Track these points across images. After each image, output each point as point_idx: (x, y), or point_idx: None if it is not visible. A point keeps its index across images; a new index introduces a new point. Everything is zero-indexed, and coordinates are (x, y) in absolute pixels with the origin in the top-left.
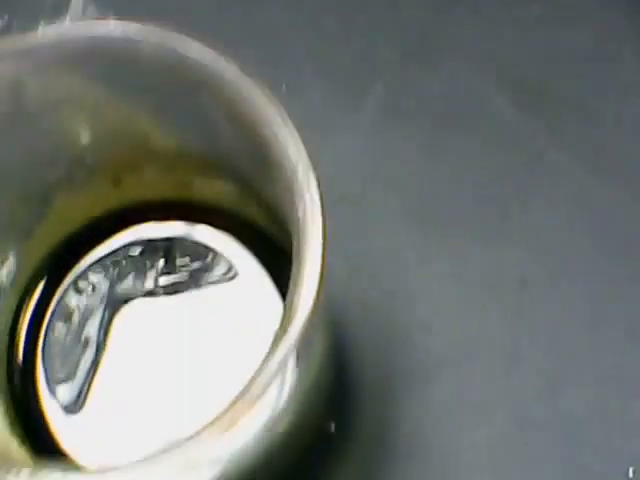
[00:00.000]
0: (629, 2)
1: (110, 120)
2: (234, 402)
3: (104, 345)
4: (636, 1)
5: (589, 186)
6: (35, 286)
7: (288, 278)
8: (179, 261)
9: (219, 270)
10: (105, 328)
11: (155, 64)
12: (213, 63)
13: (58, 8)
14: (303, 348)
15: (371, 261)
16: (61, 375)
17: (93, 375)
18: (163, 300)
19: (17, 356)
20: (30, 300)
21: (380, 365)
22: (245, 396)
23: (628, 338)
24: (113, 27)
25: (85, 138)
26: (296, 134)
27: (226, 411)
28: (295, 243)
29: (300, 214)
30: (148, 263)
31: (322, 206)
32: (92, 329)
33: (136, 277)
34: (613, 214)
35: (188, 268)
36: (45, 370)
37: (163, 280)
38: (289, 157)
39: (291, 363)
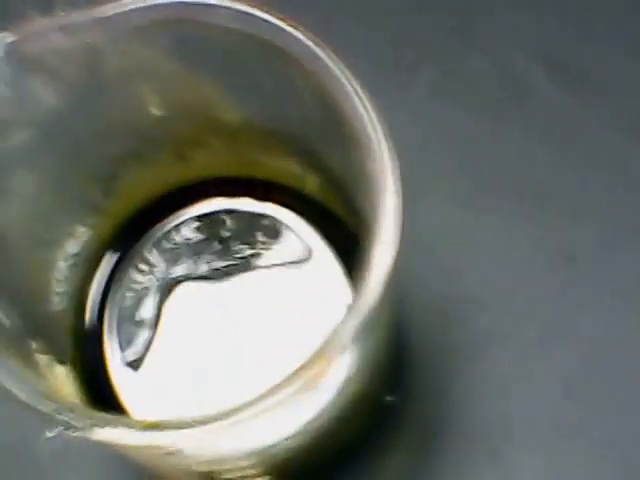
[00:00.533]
0: None
1: (180, 92)
2: (316, 356)
3: (161, 321)
4: None
5: (635, 161)
6: (101, 259)
7: (353, 257)
8: (237, 241)
9: (279, 250)
10: (160, 306)
11: (231, 33)
12: (288, 29)
13: None
14: (376, 316)
15: (422, 237)
16: (126, 348)
17: (148, 348)
18: (223, 281)
19: (84, 328)
20: (97, 273)
21: (433, 338)
22: (326, 351)
23: None
24: None
25: (155, 111)
26: (367, 101)
27: (309, 365)
28: (368, 207)
29: (372, 171)
30: (206, 244)
31: (395, 162)
32: (149, 308)
33: (193, 257)
34: None
35: (245, 253)
36: (112, 342)
37: (219, 263)
38: (363, 121)
39: (365, 329)
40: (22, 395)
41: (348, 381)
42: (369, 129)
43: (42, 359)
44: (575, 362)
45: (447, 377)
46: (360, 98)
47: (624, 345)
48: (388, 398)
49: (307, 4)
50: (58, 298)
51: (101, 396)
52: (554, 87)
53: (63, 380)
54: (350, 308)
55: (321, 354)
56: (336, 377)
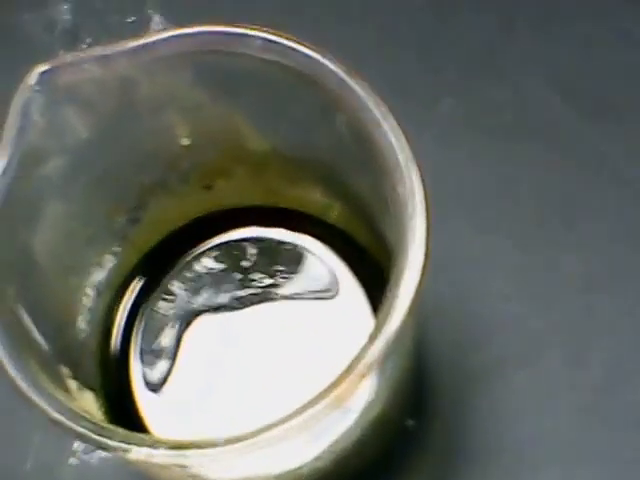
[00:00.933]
0: None
1: (209, 122)
2: (343, 377)
3: (182, 349)
4: None
5: None
6: (128, 287)
7: (373, 281)
8: (261, 271)
9: (303, 279)
10: (183, 333)
11: (262, 62)
12: (321, 59)
13: (138, 31)
14: (400, 339)
15: (444, 263)
16: (150, 373)
17: (170, 373)
18: (244, 311)
19: (110, 355)
20: (123, 300)
21: (451, 362)
22: (353, 372)
23: None
24: (222, 27)
25: (183, 140)
26: (398, 128)
27: (336, 385)
28: (395, 231)
29: (401, 196)
30: (227, 273)
31: (424, 189)
32: (172, 334)
33: (214, 287)
34: None
35: (265, 281)
36: (137, 368)
37: (241, 293)
38: (393, 150)
39: (390, 352)
40: (58, 416)
41: (371, 404)
42: (399, 154)
43: (72, 384)
44: (592, 387)
45: (466, 401)
46: (390, 124)
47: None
48: (409, 422)
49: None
50: (85, 325)
51: (126, 421)
52: (573, 116)
53: (91, 405)
54: (377, 330)
55: (347, 375)
56: (360, 399)
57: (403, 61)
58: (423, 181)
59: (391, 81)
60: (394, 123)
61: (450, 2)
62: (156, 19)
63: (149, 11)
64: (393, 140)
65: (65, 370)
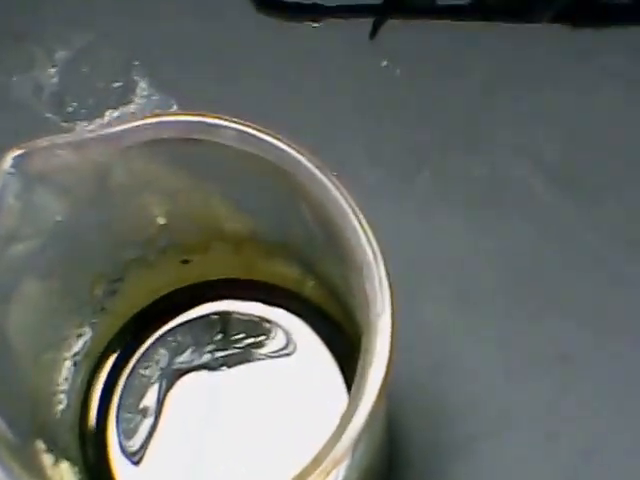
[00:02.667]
0: None
1: (186, 204)
2: (312, 466)
3: (161, 415)
4: None
5: (624, 266)
6: (107, 358)
7: (346, 353)
8: (236, 335)
9: (277, 344)
10: (163, 399)
11: (237, 152)
12: (292, 153)
13: (124, 96)
14: (370, 426)
15: (419, 337)
16: (129, 443)
17: (149, 442)
18: (221, 373)
19: (89, 425)
20: (101, 371)
21: (423, 437)
22: (323, 462)
23: None
24: (198, 117)
25: (161, 220)
26: (368, 223)
27: (306, 474)
28: (363, 323)
29: (369, 293)
30: (207, 337)
31: (391, 288)
32: (151, 399)
33: (194, 350)
34: None
35: (245, 342)
36: (115, 438)
37: (220, 353)
38: (362, 246)
39: (358, 443)
40: None
41: None
42: (367, 250)
43: (47, 458)
44: (561, 464)
45: (438, 474)
46: (361, 224)
47: (617, 447)
48: None
49: (307, 115)
50: (62, 396)
51: None
52: (552, 195)
53: (68, 477)
54: (345, 420)
55: (317, 464)
56: None
57: (381, 134)
58: (390, 277)
59: (369, 154)
60: (363, 219)
61: (428, 75)
62: (142, 85)
63: (135, 77)
64: (361, 236)
65: (41, 445)
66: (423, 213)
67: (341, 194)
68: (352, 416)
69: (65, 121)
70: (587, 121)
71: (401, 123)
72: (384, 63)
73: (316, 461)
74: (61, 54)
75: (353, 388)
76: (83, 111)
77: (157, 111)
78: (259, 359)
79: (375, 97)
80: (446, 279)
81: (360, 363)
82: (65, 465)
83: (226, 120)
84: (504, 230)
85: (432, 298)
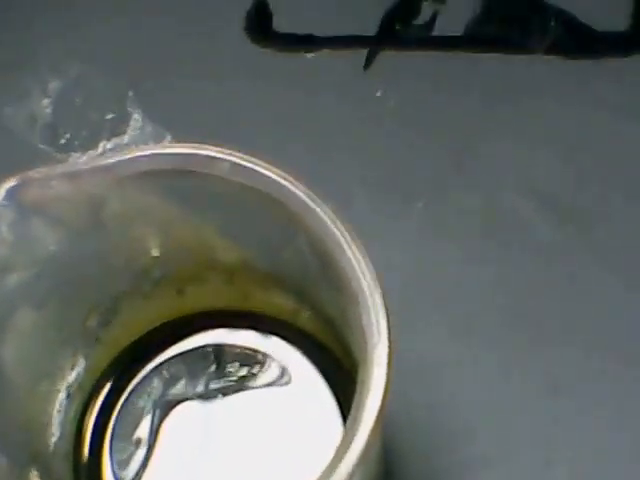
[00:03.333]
0: None
1: (180, 235)
2: None
3: (155, 445)
4: None
5: (622, 297)
6: (100, 389)
7: (342, 384)
8: (230, 366)
9: (272, 375)
10: (157, 429)
11: (231, 184)
12: (286, 185)
13: (117, 127)
14: (366, 456)
15: (415, 367)
16: (123, 473)
17: (143, 472)
18: (215, 404)
19: (82, 455)
20: (95, 401)
21: (418, 465)
22: None
23: None
24: (192, 149)
25: (155, 252)
26: (364, 253)
27: None
28: (359, 353)
29: (365, 324)
30: (201, 368)
31: (387, 318)
32: (145, 429)
33: (188, 381)
34: None
35: (239, 374)
36: (109, 468)
37: (214, 385)
38: (357, 276)
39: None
40: None
41: None
42: (364, 287)
43: None
44: None
45: None
46: (356, 256)
47: (607, 475)
48: None
49: (302, 145)
50: (56, 427)
51: None
52: (551, 225)
53: None
54: (342, 450)
55: None
56: None
57: (377, 165)
58: (386, 308)
59: (365, 185)
60: (357, 249)
61: (423, 106)
62: (135, 116)
63: (129, 108)
64: (356, 266)
65: (35, 475)
66: (420, 243)
67: (335, 225)
68: (349, 446)
69: (58, 152)
70: (585, 151)
71: (397, 154)
72: (378, 93)
73: None
74: (55, 85)
75: (349, 418)
76: (76, 142)
77: (150, 143)
78: (254, 390)
79: (370, 128)
80: (443, 309)
81: (357, 393)
82: None
83: (220, 152)
84: (502, 260)
85: (429, 328)
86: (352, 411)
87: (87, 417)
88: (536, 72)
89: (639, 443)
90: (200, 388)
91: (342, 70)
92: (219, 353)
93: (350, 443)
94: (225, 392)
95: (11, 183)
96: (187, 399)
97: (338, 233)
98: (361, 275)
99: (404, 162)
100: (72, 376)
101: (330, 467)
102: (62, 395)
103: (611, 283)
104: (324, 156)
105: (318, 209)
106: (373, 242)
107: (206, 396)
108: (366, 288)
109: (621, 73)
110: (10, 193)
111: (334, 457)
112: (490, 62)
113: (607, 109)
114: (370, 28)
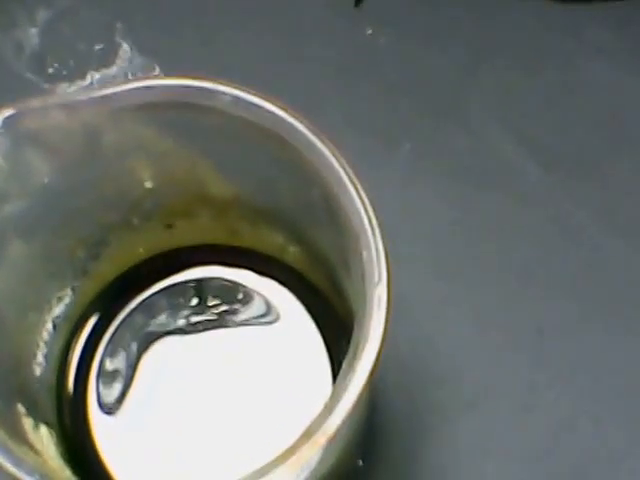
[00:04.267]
0: None
1: (174, 168)
2: (299, 445)
3: (136, 378)
4: None
5: (605, 243)
6: (86, 322)
7: (329, 321)
8: (214, 300)
9: (257, 311)
10: (138, 362)
11: (229, 117)
12: (285, 117)
13: (106, 58)
14: (359, 402)
15: (398, 309)
16: (106, 405)
17: (126, 403)
18: (196, 337)
19: (67, 388)
20: (81, 335)
21: (403, 406)
22: (314, 436)
23: None
24: (193, 81)
25: (148, 184)
26: (363, 193)
27: (295, 448)
28: (355, 295)
29: (366, 263)
30: (184, 301)
31: (386, 254)
32: (128, 363)
33: (172, 315)
34: (628, 265)
35: (222, 307)
36: (92, 401)
37: (197, 317)
38: (360, 214)
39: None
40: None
41: (324, 459)
42: (365, 221)
43: (28, 423)
44: (542, 432)
45: (417, 443)
46: (358, 192)
47: (591, 417)
48: (360, 463)
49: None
50: (42, 358)
51: (82, 454)
52: (535, 168)
53: (47, 441)
54: (334, 400)
55: (303, 442)
56: (314, 459)
57: (364, 103)
58: (387, 250)
59: (352, 123)
60: (360, 188)
61: (413, 44)
62: (125, 47)
63: (117, 39)
64: (359, 205)
65: (21, 408)
66: (405, 184)
67: (338, 162)
68: (346, 389)
69: (46, 82)
70: (572, 95)
71: (385, 92)
72: (369, 31)
73: (307, 434)
74: (43, 14)
75: (347, 359)
76: (64, 72)
77: (139, 74)
78: (238, 326)
79: (359, 65)
80: (426, 251)
81: (354, 334)
82: (44, 430)
83: (222, 84)
84: (487, 202)
85: (412, 270)
86: (350, 350)
87: (72, 350)
88: (527, 14)
89: (620, 389)
90: (183, 322)
91: (332, 7)
92: (203, 288)
93: (349, 384)
94: (209, 326)
95: (8, 112)
96: (170, 333)
97: (342, 170)
98: (363, 214)
99: (392, 101)
100: (59, 308)
101: (327, 408)
102: (49, 326)
103: (595, 229)
104: (311, 93)
105: (322, 146)
106: (359, 183)
107: (189, 330)
108: (368, 226)
109: (614, 19)
110: (6, 122)
111: (331, 398)
112: (481, 3)
113: (598, 54)
114: None
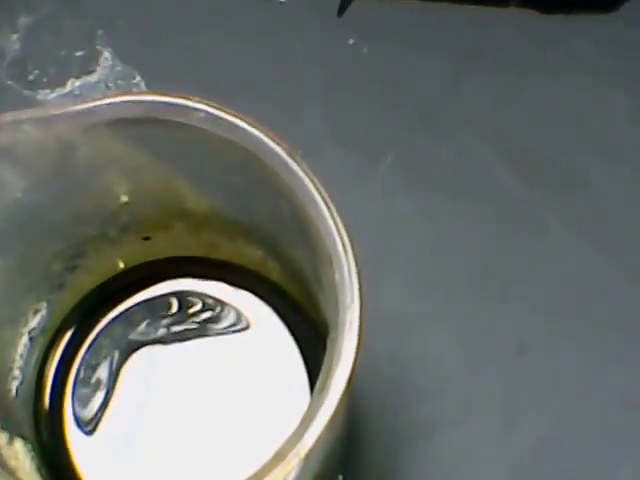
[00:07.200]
0: (627, 77)
1: (150, 182)
2: (271, 466)
3: (115, 389)
4: (633, 76)
5: (589, 259)
6: (62, 334)
7: (306, 334)
8: (192, 312)
9: (233, 322)
10: (117, 373)
11: (204, 134)
12: (263, 139)
13: (87, 65)
14: (333, 421)
15: (379, 324)
16: (83, 418)
17: (103, 415)
18: (175, 347)
19: (43, 402)
20: (57, 348)
21: (383, 421)
22: (287, 457)
23: (623, 404)
24: (166, 97)
25: (124, 198)
26: (336, 213)
27: (268, 470)
28: (329, 312)
29: (338, 284)
30: (163, 313)
31: (359, 278)
32: (106, 374)
33: (149, 325)
34: (611, 282)
35: (201, 318)
36: (70, 414)
37: (175, 328)
38: (328, 229)
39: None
40: None
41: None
42: (338, 244)
43: (2, 437)
44: (524, 450)
45: (397, 459)
46: (331, 213)
47: (569, 435)
48: (340, 478)
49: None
50: (18, 372)
51: (59, 468)
52: (519, 181)
53: (23, 457)
54: (306, 422)
55: (276, 463)
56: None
57: (347, 114)
58: (359, 272)
59: (334, 134)
60: (333, 208)
61: (396, 55)
62: (105, 55)
63: (98, 46)
64: (331, 226)
65: None
66: (388, 197)
67: (312, 182)
68: (318, 411)
69: (26, 89)
70: (555, 106)
71: (367, 103)
72: (351, 41)
73: (279, 455)
74: (24, 21)
75: (319, 379)
76: (45, 79)
77: (120, 82)
78: (216, 336)
79: (341, 76)
80: (409, 265)
81: (327, 355)
82: (19, 444)
83: (195, 101)
84: (470, 216)
85: (395, 284)
86: (322, 372)
87: (49, 363)
88: (509, 25)
89: (602, 406)
90: (161, 332)
91: (315, 16)
92: (182, 299)
93: (321, 406)
94: (186, 337)
95: None
96: (148, 343)
97: (315, 191)
98: (335, 235)
99: (375, 112)
100: (35, 321)
101: (300, 429)
102: (25, 339)
103: (579, 243)
104: (293, 104)
105: (295, 166)
106: (340, 195)
107: (167, 340)
108: (340, 248)
109: (598, 31)
110: None
111: (303, 419)
112: (464, 13)
113: (581, 67)
114: None
